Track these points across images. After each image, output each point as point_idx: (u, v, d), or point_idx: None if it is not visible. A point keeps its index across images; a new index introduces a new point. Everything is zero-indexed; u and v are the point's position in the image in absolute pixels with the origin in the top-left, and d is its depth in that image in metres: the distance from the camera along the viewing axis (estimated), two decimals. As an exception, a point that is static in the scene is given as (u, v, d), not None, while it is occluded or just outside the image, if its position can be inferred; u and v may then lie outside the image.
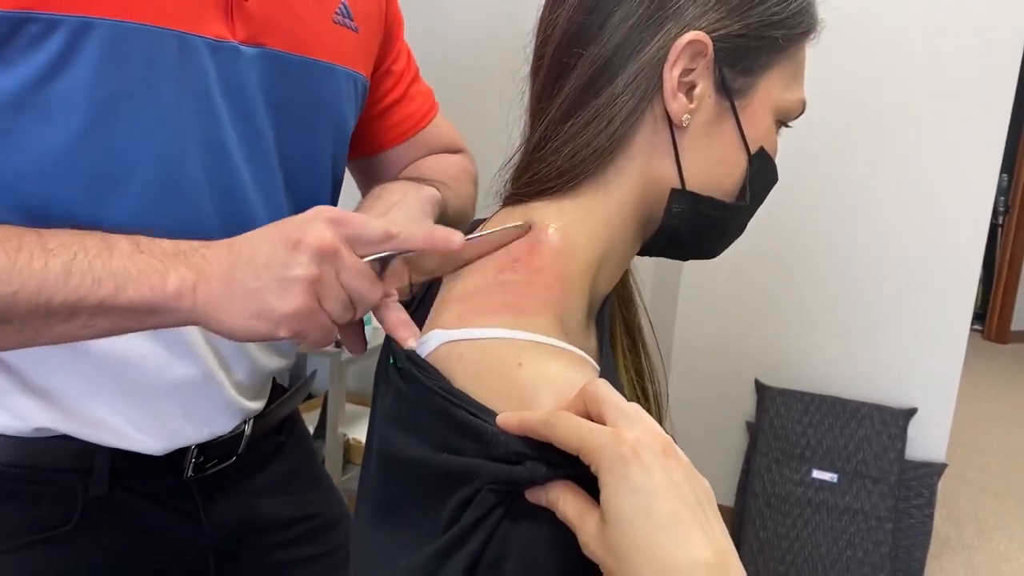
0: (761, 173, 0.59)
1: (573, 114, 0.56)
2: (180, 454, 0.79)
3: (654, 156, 0.56)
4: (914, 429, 2.37)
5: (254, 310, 0.54)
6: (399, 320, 0.55)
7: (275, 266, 0.53)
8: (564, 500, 0.43)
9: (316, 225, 0.53)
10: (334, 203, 0.88)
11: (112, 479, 0.76)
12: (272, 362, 0.87)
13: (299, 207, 0.81)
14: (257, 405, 0.87)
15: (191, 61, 0.67)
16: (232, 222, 0.70)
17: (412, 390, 0.50)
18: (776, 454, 2.43)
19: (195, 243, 0.58)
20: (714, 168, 0.57)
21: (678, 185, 0.57)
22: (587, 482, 0.42)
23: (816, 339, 2.49)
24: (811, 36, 0.60)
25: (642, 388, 0.66)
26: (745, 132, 0.57)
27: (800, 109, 0.61)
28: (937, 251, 2.34)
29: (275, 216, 0.68)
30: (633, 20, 0.54)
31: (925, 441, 2.40)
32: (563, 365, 0.49)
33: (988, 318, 5.60)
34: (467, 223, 0.90)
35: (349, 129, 0.85)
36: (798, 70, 0.60)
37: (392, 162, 0.95)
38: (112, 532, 0.78)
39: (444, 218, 0.80)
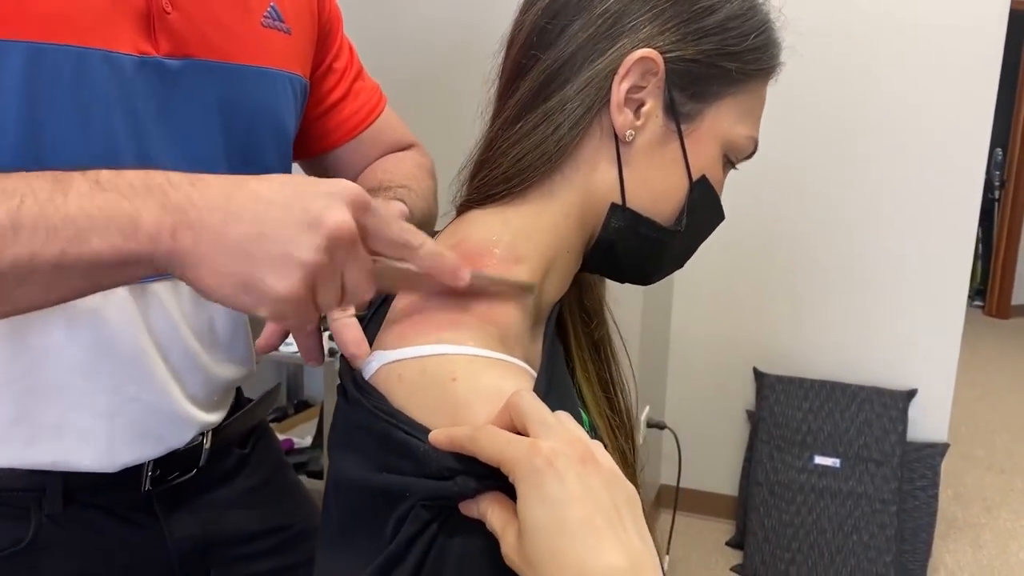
0: (702, 201, 0.60)
1: (524, 116, 0.57)
2: (136, 468, 0.78)
3: (598, 168, 0.57)
4: (915, 410, 2.36)
5: (242, 281, 0.46)
6: (353, 338, 0.53)
7: (283, 240, 0.46)
8: (491, 511, 0.44)
9: (338, 205, 0.46)
10: None
11: (67, 495, 0.75)
12: (227, 372, 0.86)
13: None
14: (215, 417, 0.85)
15: (118, 79, 0.67)
16: None
17: (356, 413, 0.50)
18: (778, 442, 2.42)
19: (176, 177, 0.49)
20: (654, 189, 0.58)
21: (619, 200, 0.57)
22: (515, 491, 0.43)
23: (812, 324, 2.48)
24: (770, 76, 0.60)
25: (608, 400, 0.66)
26: (689, 158, 0.58)
27: (751, 148, 0.61)
28: (930, 230, 2.33)
29: None
30: (591, 30, 0.55)
31: (926, 422, 2.39)
32: (497, 377, 0.49)
33: (988, 293, 5.58)
34: (433, 220, 0.89)
35: (290, 132, 0.84)
36: (754, 107, 0.60)
37: (344, 161, 0.94)
38: (71, 550, 0.77)
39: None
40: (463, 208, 0.60)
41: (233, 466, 0.91)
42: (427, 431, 0.46)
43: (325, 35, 0.90)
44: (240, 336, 0.86)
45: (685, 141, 0.57)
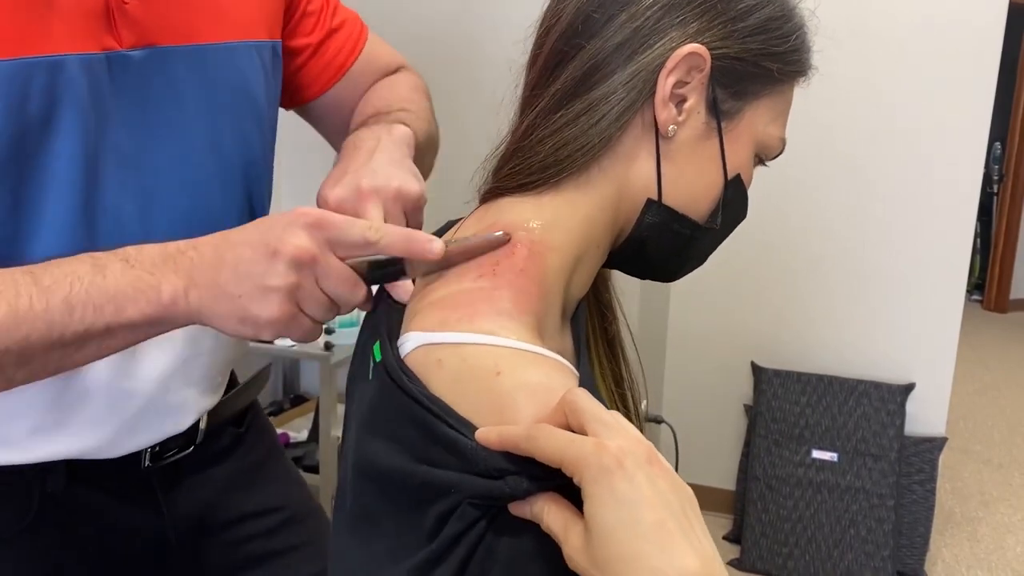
0: (734, 200, 0.60)
1: (565, 104, 0.56)
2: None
3: (636, 162, 0.56)
4: (913, 404, 2.36)
5: (239, 316, 0.56)
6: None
7: (255, 275, 0.54)
8: (548, 512, 0.43)
9: (294, 232, 0.54)
10: (268, 184, 0.87)
11: (70, 473, 0.77)
12: (230, 353, 0.87)
13: (237, 198, 0.80)
14: (213, 399, 0.87)
15: (90, 81, 0.66)
16: (155, 231, 0.70)
17: (392, 398, 0.49)
18: (775, 436, 2.41)
19: (182, 244, 0.59)
20: (691, 185, 0.58)
21: (655, 195, 0.57)
22: (571, 493, 0.42)
23: (810, 318, 2.48)
24: (802, 78, 0.61)
25: (620, 396, 0.66)
26: (726, 156, 0.58)
27: (779, 148, 0.62)
28: (929, 224, 2.32)
29: (202, 221, 0.69)
30: (639, 22, 0.54)
31: (924, 416, 2.39)
32: (543, 373, 0.48)
33: (987, 288, 5.58)
34: (435, 141, 0.88)
35: (263, 104, 0.82)
36: (785, 108, 0.61)
37: (338, 100, 0.92)
38: (71, 527, 0.79)
39: (417, 149, 0.78)
40: (489, 196, 0.59)
41: (229, 444, 0.92)
42: (472, 427, 0.45)
43: None
44: None
45: (724, 139, 0.57)
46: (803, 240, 2.44)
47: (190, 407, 0.83)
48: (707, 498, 2.65)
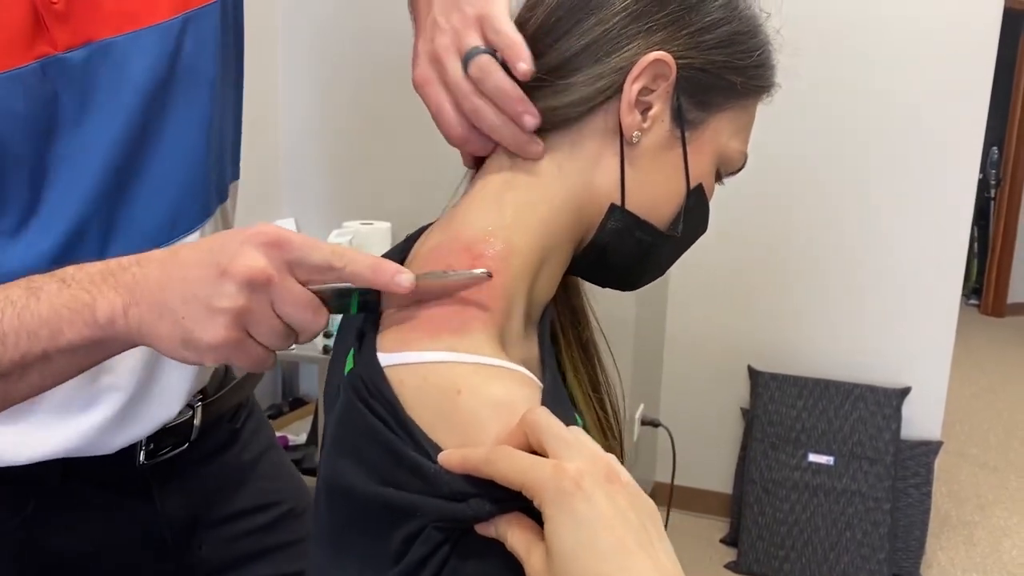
0: (695, 210, 0.61)
1: (532, 93, 0.57)
2: (131, 445, 0.79)
3: (600, 164, 0.57)
4: (909, 408, 2.37)
5: (181, 339, 0.51)
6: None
7: (201, 296, 0.50)
8: (512, 533, 0.43)
9: (248, 251, 0.49)
10: (235, 166, 0.83)
11: (66, 470, 0.76)
12: None
13: (206, 181, 0.78)
14: (199, 382, 0.85)
15: (24, 96, 0.64)
16: (129, 235, 0.70)
17: (357, 417, 0.49)
18: (772, 439, 2.42)
19: (126, 260, 0.55)
20: (654, 193, 0.58)
21: (618, 200, 0.57)
22: (534, 512, 0.42)
23: (807, 322, 2.49)
24: (765, 94, 0.62)
25: (598, 400, 0.66)
26: (689, 166, 0.58)
27: (741, 162, 0.62)
28: (925, 228, 2.33)
29: (174, 211, 0.69)
30: (607, 26, 0.55)
31: (920, 420, 2.39)
32: (504, 388, 0.48)
33: (984, 292, 5.59)
34: None
35: (216, 72, 0.78)
36: (747, 123, 0.62)
37: None
38: (69, 526, 0.78)
39: None
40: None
41: (224, 441, 0.92)
42: (436, 449, 0.45)
43: None
44: None
45: (687, 148, 0.58)
46: (799, 244, 2.45)
47: (176, 391, 0.81)
48: (704, 501, 2.65)
